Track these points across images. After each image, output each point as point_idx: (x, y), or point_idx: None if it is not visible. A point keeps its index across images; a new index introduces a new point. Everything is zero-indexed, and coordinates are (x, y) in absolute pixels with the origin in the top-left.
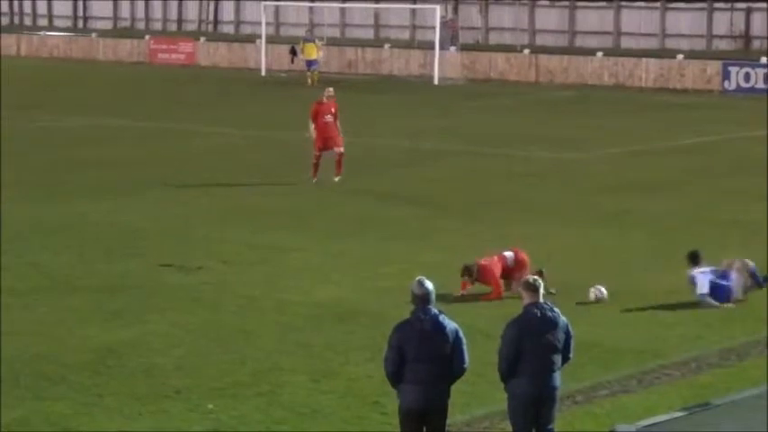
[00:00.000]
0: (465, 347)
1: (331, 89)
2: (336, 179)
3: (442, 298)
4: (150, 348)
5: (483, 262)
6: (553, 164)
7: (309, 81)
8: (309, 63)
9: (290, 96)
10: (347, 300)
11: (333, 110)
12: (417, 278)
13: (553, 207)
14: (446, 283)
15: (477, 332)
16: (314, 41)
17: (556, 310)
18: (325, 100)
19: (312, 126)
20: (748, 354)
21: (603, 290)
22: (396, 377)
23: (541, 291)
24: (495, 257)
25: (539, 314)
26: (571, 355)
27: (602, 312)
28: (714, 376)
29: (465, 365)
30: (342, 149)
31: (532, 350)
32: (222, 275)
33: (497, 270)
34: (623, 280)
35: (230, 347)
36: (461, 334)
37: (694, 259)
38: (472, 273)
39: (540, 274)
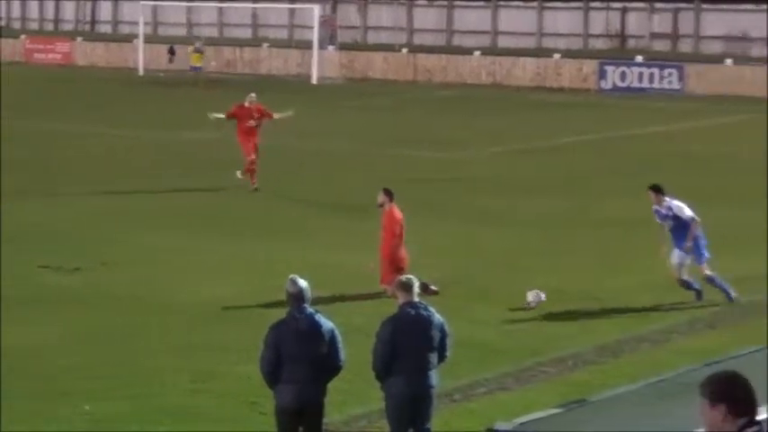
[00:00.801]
0: (341, 346)
1: (253, 94)
2: (252, 186)
3: (328, 298)
4: (31, 351)
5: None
6: (436, 163)
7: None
8: (194, 68)
9: (169, 96)
10: (230, 300)
11: (256, 115)
12: (290, 277)
13: (437, 206)
14: (332, 283)
15: (355, 330)
16: (202, 52)
17: (431, 308)
18: (246, 104)
19: (222, 115)
20: (623, 350)
21: (541, 293)
22: (272, 377)
23: (416, 290)
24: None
25: (413, 313)
26: (448, 354)
27: (480, 310)
28: (590, 373)
29: (341, 363)
30: (255, 158)
31: (408, 349)
32: (108, 276)
33: (399, 217)
34: (503, 278)
35: (111, 348)
36: (337, 332)
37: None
38: (391, 194)
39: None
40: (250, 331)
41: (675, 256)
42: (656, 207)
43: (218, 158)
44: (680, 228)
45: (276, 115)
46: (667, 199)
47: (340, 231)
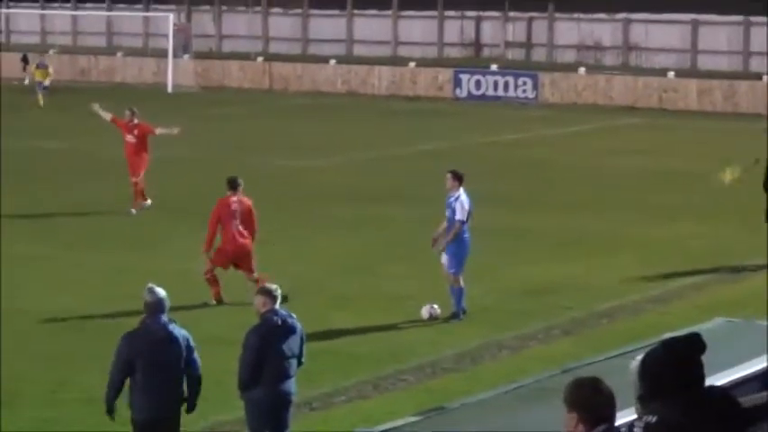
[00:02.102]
0: (196, 354)
1: (133, 109)
2: (133, 211)
3: (180, 306)
4: None
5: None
6: (290, 171)
7: (41, 101)
8: (39, 84)
9: (24, 104)
10: (84, 309)
11: (136, 131)
12: (148, 286)
13: (292, 213)
14: (186, 291)
15: (215, 339)
16: (46, 68)
17: (294, 315)
18: (126, 120)
19: (108, 116)
20: (482, 357)
21: (436, 307)
22: (119, 387)
23: (279, 298)
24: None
25: (279, 321)
26: (304, 360)
27: (336, 318)
28: (449, 380)
29: (198, 372)
30: (136, 179)
31: (274, 357)
32: None
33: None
34: (359, 285)
35: None
36: (191, 341)
37: None
38: (230, 183)
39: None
40: (105, 340)
41: (444, 257)
42: (449, 193)
43: (71, 168)
44: (452, 223)
45: (158, 131)
46: (461, 190)
47: (194, 239)
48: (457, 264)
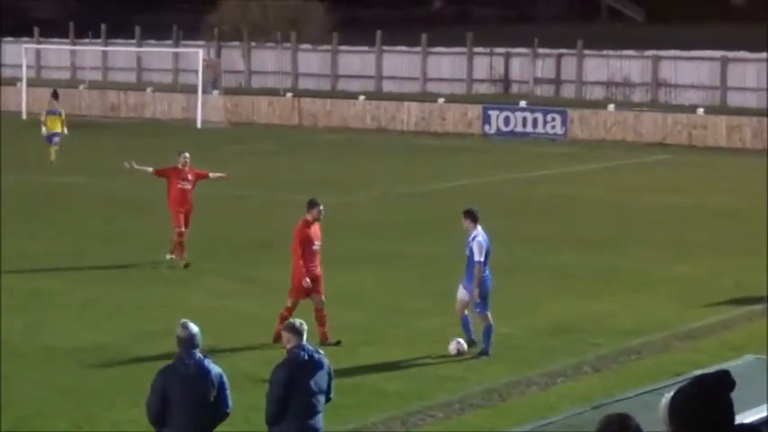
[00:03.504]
0: (228, 392)
1: (187, 154)
2: (180, 261)
3: (213, 343)
4: None
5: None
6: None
7: (52, 155)
8: (51, 136)
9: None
10: (111, 344)
11: (190, 176)
12: (181, 321)
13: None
14: (212, 328)
15: (242, 376)
16: (60, 114)
17: (321, 351)
18: (180, 166)
19: (148, 168)
20: (511, 394)
21: (463, 342)
22: (158, 422)
23: (305, 334)
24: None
25: (306, 357)
26: (332, 396)
27: (364, 353)
28: (477, 416)
29: (228, 410)
30: (185, 230)
31: (301, 393)
32: None
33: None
34: (386, 320)
35: None
36: (225, 378)
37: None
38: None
39: None
40: (131, 375)
41: (460, 291)
42: (467, 232)
43: (100, 203)
44: (470, 263)
45: (212, 175)
46: (478, 229)
47: (222, 277)
48: (481, 303)
